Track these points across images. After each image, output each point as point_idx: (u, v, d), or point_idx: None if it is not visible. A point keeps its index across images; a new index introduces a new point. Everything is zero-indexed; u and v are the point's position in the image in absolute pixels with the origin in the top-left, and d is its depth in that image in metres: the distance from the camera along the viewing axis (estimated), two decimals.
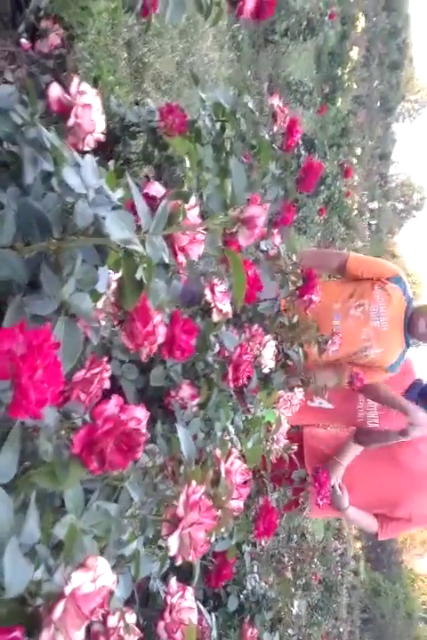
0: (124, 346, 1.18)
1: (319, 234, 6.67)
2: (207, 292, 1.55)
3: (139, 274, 0.78)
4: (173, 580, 1.20)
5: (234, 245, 0.94)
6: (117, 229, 0.68)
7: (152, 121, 1.84)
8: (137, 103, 1.80)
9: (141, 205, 0.73)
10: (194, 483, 1.00)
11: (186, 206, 0.82)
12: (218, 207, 0.78)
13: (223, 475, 1.20)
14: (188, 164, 0.79)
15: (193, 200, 0.89)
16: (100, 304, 1.05)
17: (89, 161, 0.81)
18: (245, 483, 1.26)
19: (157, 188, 0.90)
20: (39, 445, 0.78)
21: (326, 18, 4.66)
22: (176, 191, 0.80)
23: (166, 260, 0.77)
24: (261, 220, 0.77)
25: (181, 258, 0.88)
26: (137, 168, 1.96)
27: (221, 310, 1.55)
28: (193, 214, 0.89)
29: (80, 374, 0.93)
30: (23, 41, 1.66)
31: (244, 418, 1.86)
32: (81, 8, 1.76)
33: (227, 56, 3.62)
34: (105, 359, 0.99)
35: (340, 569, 7.30)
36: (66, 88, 0.98)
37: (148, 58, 2.59)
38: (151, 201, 0.89)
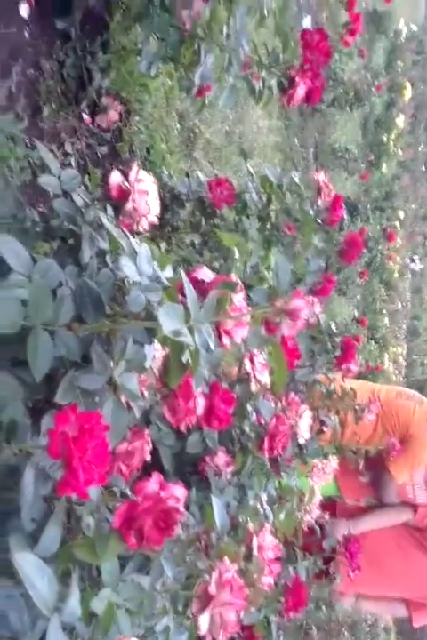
0: (163, 415, 1.21)
1: (359, 296, 6.66)
2: (246, 362, 1.58)
3: (185, 357, 0.82)
4: None
5: (275, 330, 0.97)
6: (169, 322, 0.72)
7: (201, 191, 1.92)
8: (188, 175, 1.88)
9: (192, 296, 0.77)
10: (227, 559, 1.01)
11: (232, 294, 0.86)
12: (262, 298, 0.81)
13: (255, 551, 1.20)
14: (237, 254, 0.83)
15: (239, 285, 0.93)
16: (143, 375, 1.09)
17: (144, 250, 0.87)
18: (277, 559, 1.26)
19: (205, 273, 0.94)
20: (81, 518, 0.82)
21: (373, 88, 4.77)
22: (224, 282, 0.85)
23: (212, 347, 0.81)
24: (304, 313, 0.80)
25: (225, 340, 0.92)
26: (184, 234, 2.03)
27: (259, 381, 1.58)
28: (239, 299, 0.93)
29: (122, 447, 0.97)
30: (85, 116, 1.77)
31: (276, 484, 1.86)
32: (139, 85, 1.87)
33: (275, 124, 3.74)
34: (146, 432, 1.02)
35: None
36: (120, 162, 1.05)
37: (199, 128, 2.71)
38: (199, 285, 0.94)
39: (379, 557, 2.66)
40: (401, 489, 2.67)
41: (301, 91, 1.39)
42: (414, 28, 8.36)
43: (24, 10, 1.78)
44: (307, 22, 1.42)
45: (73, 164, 1.90)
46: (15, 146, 1.73)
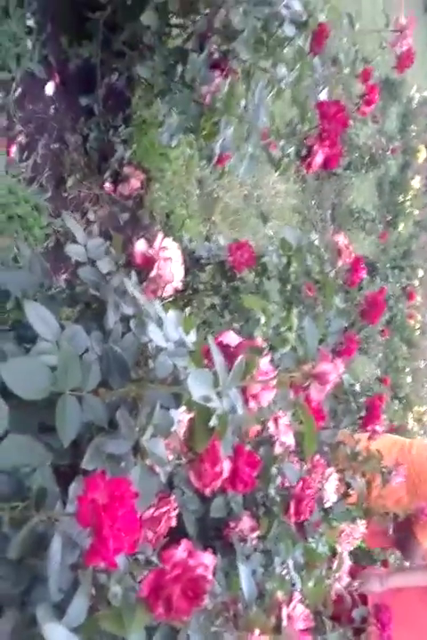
0: (187, 479, 1.20)
1: (380, 354, 6.60)
2: (271, 424, 1.56)
3: (212, 422, 0.82)
4: None
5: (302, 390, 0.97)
6: (198, 388, 0.73)
7: (221, 255, 1.95)
8: (208, 239, 1.92)
9: (219, 361, 0.78)
10: (257, 631, 0.98)
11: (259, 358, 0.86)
12: (290, 362, 0.82)
13: (285, 621, 1.16)
14: (262, 319, 0.84)
15: (265, 349, 0.93)
16: (167, 439, 1.09)
17: (172, 317, 0.88)
18: (307, 630, 1.21)
19: (231, 337, 0.95)
20: (108, 586, 0.80)
21: (388, 152, 4.87)
22: (251, 347, 0.85)
23: (240, 412, 0.80)
24: (332, 377, 0.80)
25: (252, 404, 0.92)
26: (204, 297, 2.06)
27: (284, 443, 1.56)
28: (265, 362, 0.93)
29: (149, 513, 0.96)
30: (107, 185, 1.83)
31: (303, 551, 1.81)
32: (160, 155, 1.93)
33: (292, 187, 3.82)
34: (172, 497, 1.01)
35: None
36: (141, 227, 1.08)
37: (217, 193, 2.78)
38: (225, 349, 0.94)
39: (408, 617, 2.55)
40: None
41: (319, 158, 1.42)
42: None
43: (50, 88, 1.87)
44: (323, 95, 1.47)
45: (95, 231, 1.95)
46: (40, 215, 1.79)
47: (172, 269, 1.01)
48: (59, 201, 1.91)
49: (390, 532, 2.58)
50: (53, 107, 1.89)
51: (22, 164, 1.76)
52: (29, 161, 1.80)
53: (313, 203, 4.33)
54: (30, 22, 1.74)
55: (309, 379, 0.82)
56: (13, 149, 1.70)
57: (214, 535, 1.60)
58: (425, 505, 2.51)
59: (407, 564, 3.55)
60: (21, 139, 1.75)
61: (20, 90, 1.75)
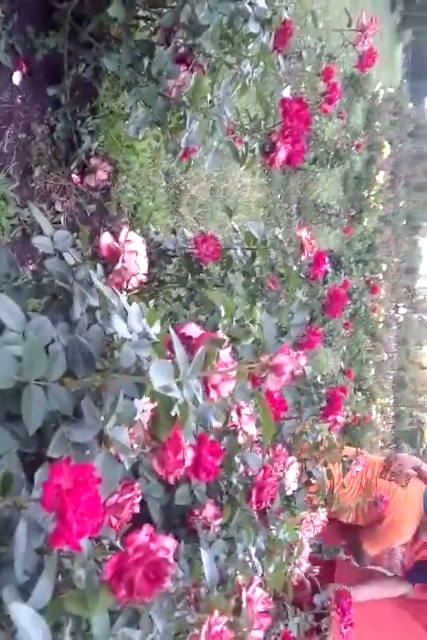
0: (151, 467, 1.23)
1: (345, 347, 6.73)
2: (233, 414, 1.60)
3: (174, 411, 0.85)
4: None
5: (260, 383, 1.00)
6: (159, 378, 0.75)
7: (187, 248, 1.97)
8: (174, 232, 1.94)
9: (180, 352, 0.81)
10: (216, 612, 1.02)
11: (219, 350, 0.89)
12: (250, 354, 0.85)
13: (245, 603, 1.20)
14: (223, 312, 0.88)
15: (226, 341, 0.96)
16: (131, 428, 1.11)
17: (135, 309, 0.91)
18: (266, 612, 1.26)
19: (193, 329, 0.98)
20: (73, 570, 0.83)
21: (353, 148, 4.97)
22: (212, 339, 0.88)
23: (200, 401, 0.84)
24: (288, 368, 0.84)
25: (213, 394, 0.95)
26: (170, 289, 2.08)
27: (246, 433, 1.60)
28: (225, 354, 0.97)
29: (112, 499, 0.98)
30: (74, 176, 1.84)
31: (265, 538, 1.85)
32: (127, 147, 1.94)
33: (258, 181, 3.86)
34: (136, 485, 1.04)
35: None
36: (108, 219, 1.10)
37: (184, 185, 2.80)
38: (187, 340, 0.97)
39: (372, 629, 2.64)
40: (378, 557, 2.74)
41: (282, 154, 1.46)
42: (391, 90, 8.74)
43: (17, 78, 1.86)
44: (286, 92, 1.50)
45: (62, 221, 1.96)
46: (6, 205, 1.79)
47: (136, 262, 1.03)
48: (25, 191, 1.90)
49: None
50: (20, 96, 1.88)
51: None
52: None
53: (279, 197, 4.39)
54: None
55: (266, 370, 0.85)
56: None
57: (179, 523, 1.63)
58: (384, 493, 2.61)
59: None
60: None
61: None
